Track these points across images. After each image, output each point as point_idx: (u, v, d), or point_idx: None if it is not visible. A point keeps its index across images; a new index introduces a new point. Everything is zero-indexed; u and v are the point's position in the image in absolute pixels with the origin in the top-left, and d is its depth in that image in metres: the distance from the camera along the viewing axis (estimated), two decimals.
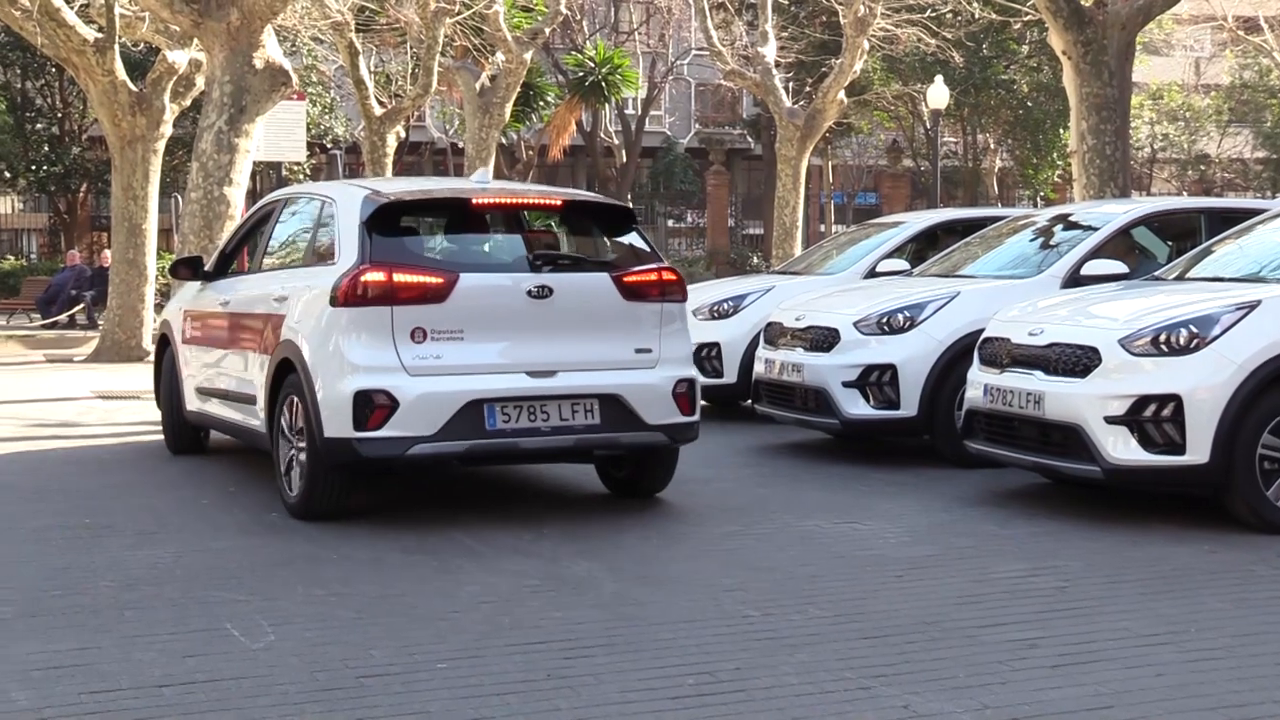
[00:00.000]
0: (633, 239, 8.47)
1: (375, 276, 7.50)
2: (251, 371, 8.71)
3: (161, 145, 20.91)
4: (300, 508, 7.85)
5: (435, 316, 7.50)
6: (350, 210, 8.02)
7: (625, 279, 8.00)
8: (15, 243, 45.75)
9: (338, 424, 7.44)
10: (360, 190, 8.18)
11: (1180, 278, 8.70)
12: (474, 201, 8.28)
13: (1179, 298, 7.85)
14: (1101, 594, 6.04)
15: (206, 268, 10.29)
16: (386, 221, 7.94)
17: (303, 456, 7.78)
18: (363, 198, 8.04)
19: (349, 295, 7.53)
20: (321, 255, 8.29)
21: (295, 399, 7.87)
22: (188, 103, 21.56)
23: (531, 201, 8.67)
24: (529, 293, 7.71)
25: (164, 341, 10.74)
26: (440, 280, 7.55)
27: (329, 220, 8.30)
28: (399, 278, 7.51)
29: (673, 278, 8.20)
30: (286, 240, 9.34)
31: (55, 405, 14.02)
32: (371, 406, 7.37)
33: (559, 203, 8.61)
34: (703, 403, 12.81)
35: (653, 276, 8.11)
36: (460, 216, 8.59)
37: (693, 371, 8.22)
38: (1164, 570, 6.46)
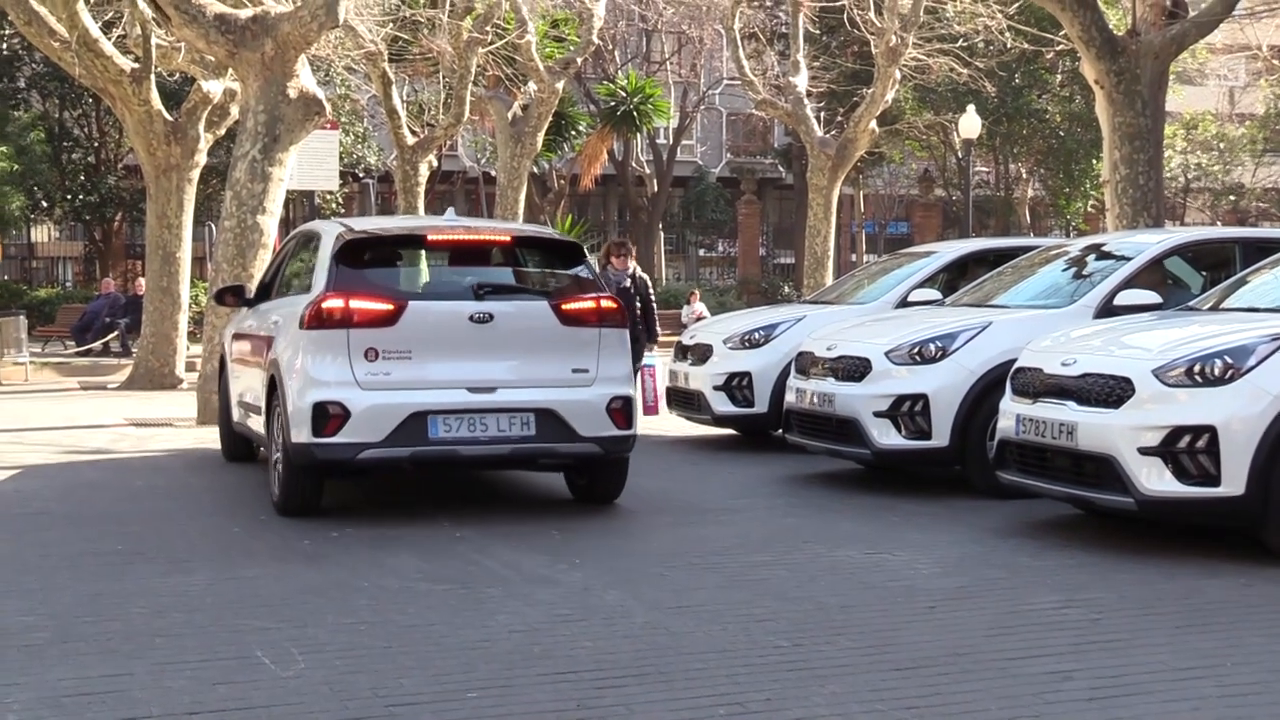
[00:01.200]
0: (579, 271, 9.36)
1: (334, 304, 8.59)
2: (259, 386, 9.67)
3: (196, 174, 21.06)
4: (280, 505, 8.93)
5: (386, 338, 8.52)
6: (327, 245, 9.09)
7: (563, 306, 8.94)
8: (51, 271, 46.13)
9: (301, 431, 8.47)
10: (338, 227, 9.26)
11: (1215, 308, 8.64)
12: (429, 237, 9.58)
13: (1213, 328, 7.80)
14: (1135, 626, 5.99)
15: (249, 295, 11.28)
16: (353, 255, 8.99)
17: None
18: (336, 234, 9.10)
19: (312, 320, 8.62)
20: (306, 285, 9.24)
21: (279, 410, 8.83)
22: (222, 132, 21.71)
23: (483, 237, 9.98)
24: (471, 318, 8.70)
25: (222, 360, 12.03)
26: (391, 307, 8.60)
27: (315, 253, 9.33)
28: (354, 305, 8.57)
29: (612, 306, 9.08)
30: (293, 271, 10.32)
31: (89, 432, 14.10)
32: (327, 416, 8.39)
33: (509, 238, 9.91)
34: (733, 432, 12.95)
35: (591, 305, 9.01)
36: (418, 250, 9.87)
37: (629, 390, 9.06)
38: (1199, 603, 6.40)
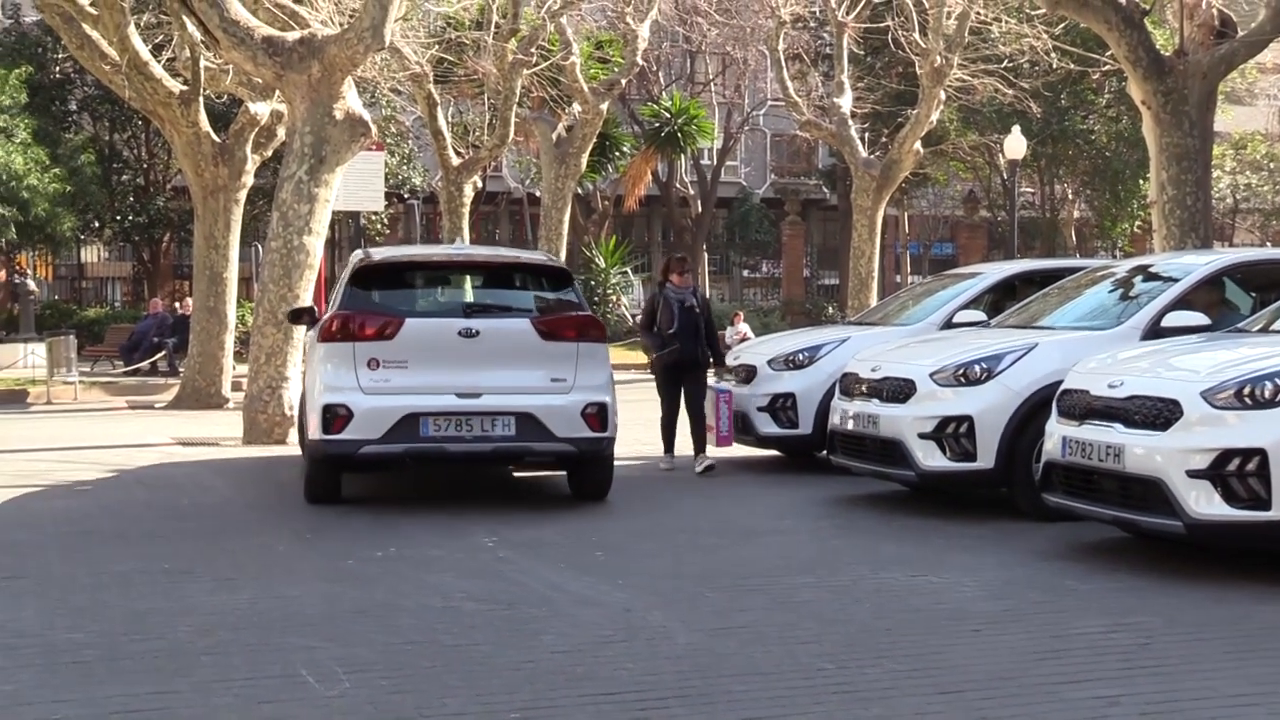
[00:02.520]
0: (565, 293, 10.63)
1: (342, 321, 9.96)
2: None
3: (243, 195, 21.25)
4: (306, 494, 10.35)
5: (385, 350, 9.82)
6: (347, 270, 10.66)
7: (542, 324, 10.15)
8: (100, 291, 46.55)
9: (316, 429, 9.82)
10: (359, 254, 10.77)
11: (1265, 330, 8.56)
12: (430, 263, 11.33)
13: (1263, 350, 7.73)
14: (1185, 652, 5.93)
15: (320, 316, 11.89)
16: (365, 279, 10.39)
17: None
18: (355, 260, 10.57)
19: (325, 334, 10.05)
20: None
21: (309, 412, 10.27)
22: (269, 153, 21.91)
23: (477, 263, 11.38)
24: (459, 333, 9.95)
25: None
26: (389, 323, 9.90)
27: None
28: (359, 321, 9.92)
29: (592, 323, 10.36)
30: (333, 291, 11.59)
31: (136, 451, 14.22)
32: (335, 416, 9.70)
33: (500, 264, 11.48)
34: (777, 454, 12.90)
35: (570, 322, 10.21)
36: (421, 274, 11.14)
37: (605, 397, 10.05)
38: (1249, 629, 6.33)
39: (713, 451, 12.41)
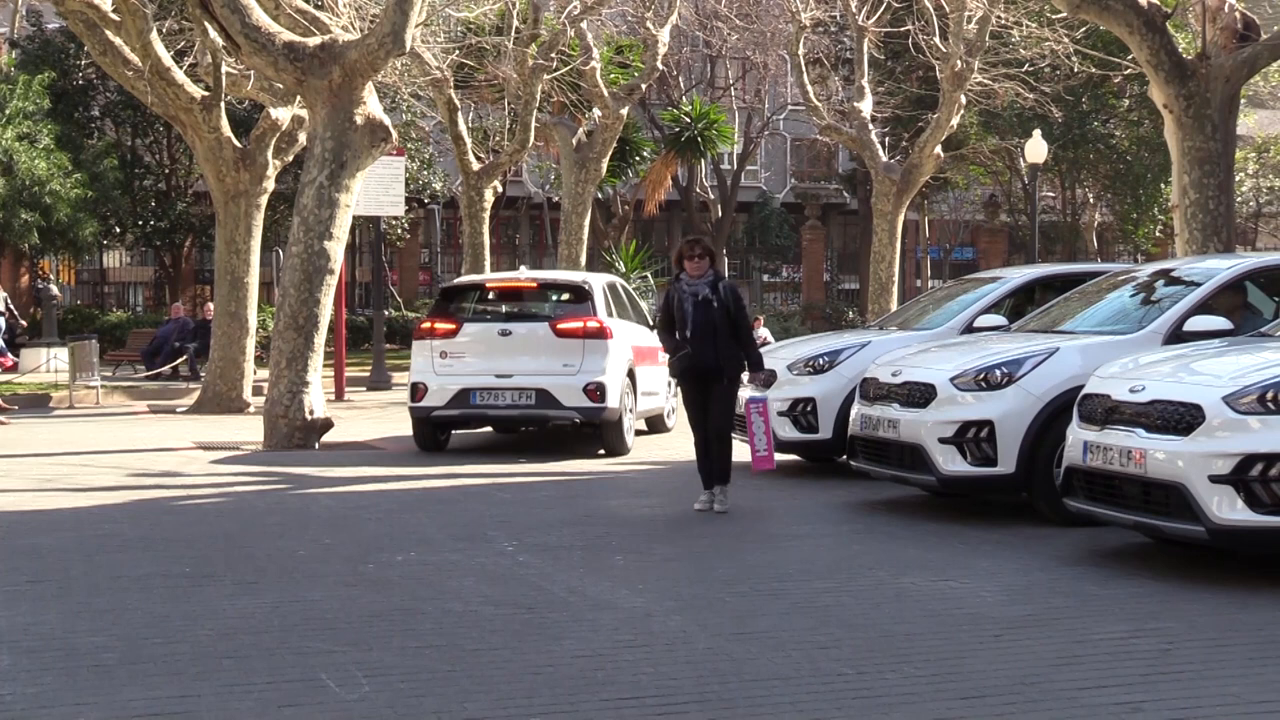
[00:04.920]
0: (582, 303, 14.43)
1: (426, 324, 14.65)
2: None
3: (264, 200, 21.31)
4: (416, 443, 14.55)
5: (450, 345, 14.21)
6: (439, 290, 15.96)
7: (557, 326, 14.12)
8: (122, 296, 46.73)
9: (412, 399, 14.33)
10: (452, 279, 14.58)
11: None
12: (486, 284, 15.78)
13: None
14: (1207, 658, 5.90)
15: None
16: (446, 296, 15.20)
17: None
18: (442, 285, 15.56)
19: (416, 334, 14.85)
20: None
21: None
22: (290, 158, 21.98)
23: (519, 284, 15.64)
24: (499, 333, 14.34)
25: None
26: (453, 326, 14.32)
27: None
28: (435, 325, 14.41)
29: (596, 325, 13.99)
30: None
31: (158, 455, 14.27)
32: (417, 389, 14.23)
33: (534, 284, 15.73)
34: (797, 458, 12.89)
35: (578, 325, 14.04)
36: (480, 292, 15.52)
37: (602, 378, 13.78)
38: (1273, 634, 6.30)
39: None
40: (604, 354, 13.83)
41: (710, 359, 10.13)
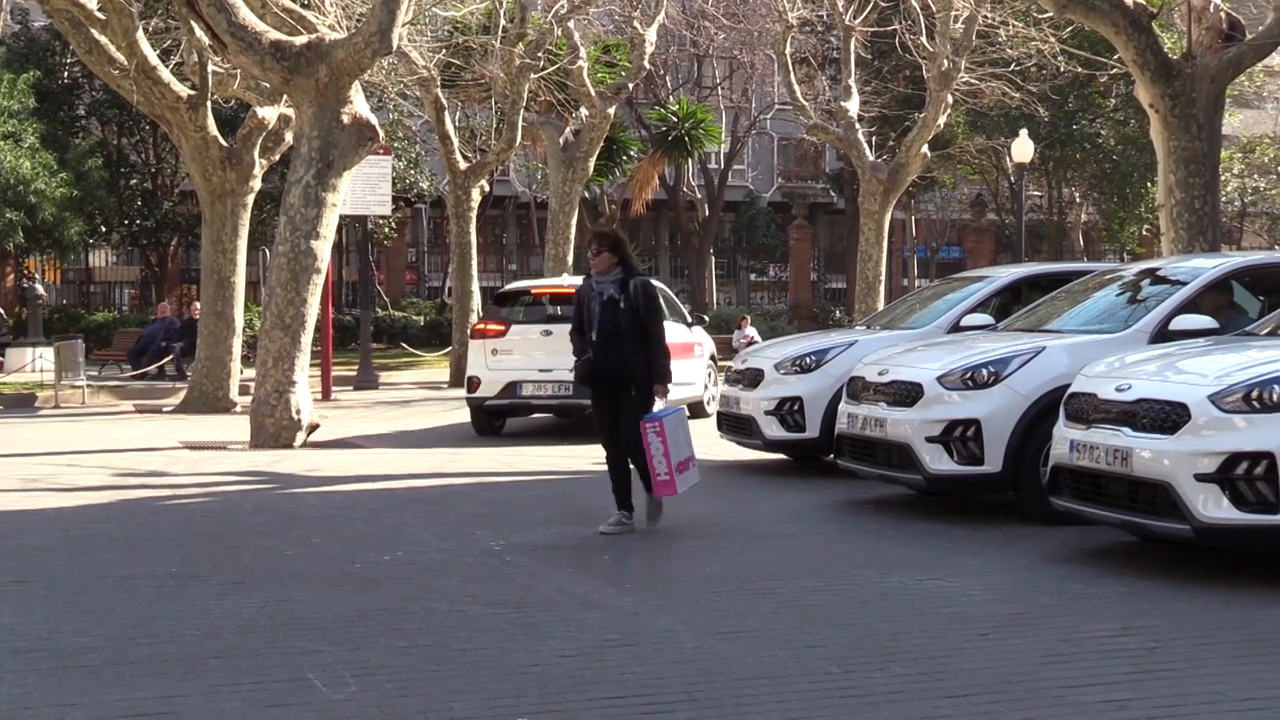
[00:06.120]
0: None
1: (480, 325, 17.20)
2: None
3: (250, 200, 21.27)
4: (474, 427, 16.66)
5: (501, 344, 16.23)
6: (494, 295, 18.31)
7: None
8: (108, 295, 46.65)
9: (467, 391, 16.52)
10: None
11: (1273, 333, 8.54)
12: (532, 290, 17.86)
13: (1271, 353, 7.71)
14: (1193, 655, 5.92)
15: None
16: (499, 300, 18.04)
17: None
18: (496, 291, 18.25)
19: (471, 334, 17.48)
20: None
21: None
22: (276, 158, 21.94)
23: (559, 290, 16.96)
24: (541, 333, 16.21)
25: None
26: (503, 328, 16.48)
27: None
28: (488, 327, 16.70)
29: None
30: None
31: (144, 455, 14.24)
32: (473, 383, 16.32)
33: (572, 290, 14.43)
34: (784, 458, 12.90)
35: None
36: (527, 297, 17.76)
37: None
38: (1258, 632, 6.31)
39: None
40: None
41: (615, 365, 9.19)
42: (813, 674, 5.62)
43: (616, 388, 9.26)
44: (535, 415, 17.31)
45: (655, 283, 10.03)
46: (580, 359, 9.34)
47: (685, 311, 19.68)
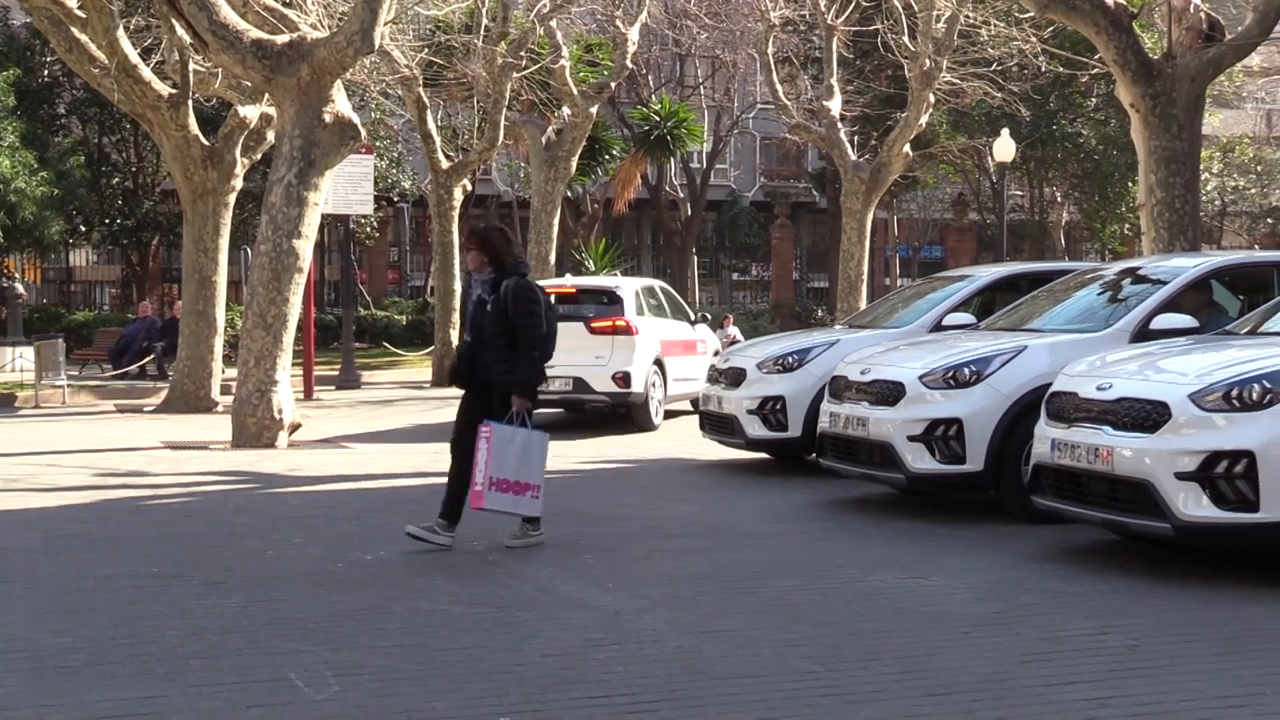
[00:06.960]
0: (613, 305, 16.99)
1: None
2: None
3: (232, 199, 21.21)
4: None
5: None
6: None
7: (591, 324, 16.60)
8: (89, 294, 46.45)
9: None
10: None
11: (1253, 332, 8.58)
12: (545, 289, 15.53)
13: (1251, 352, 7.75)
14: (1173, 653, 5.94)
15: None
16: None
17: None
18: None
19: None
20: None
21: None
22: (258, 157, 21.87)
23: (563, 289, 17.28)
24: None
25: None
26: None
27: None
28: None
29: (623, 324, 16.63)
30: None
31: (125, 455, 14.19)
32: None
33: (574, 290, 17.80)
34: (767, 457, 12.92)
35: (608, 323, 16.62)
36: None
37: (629, 368, 16.40)
38: (1237, 630, 6.34)
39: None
40: (630, 348, 16.50)
41: (479, 369, 8.67)
42: (795, 673, 5.63)
43: (481, 394, 8.68)
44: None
45: (538, 283, 9.52)
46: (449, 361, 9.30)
47: (689, 310, 20.02)
